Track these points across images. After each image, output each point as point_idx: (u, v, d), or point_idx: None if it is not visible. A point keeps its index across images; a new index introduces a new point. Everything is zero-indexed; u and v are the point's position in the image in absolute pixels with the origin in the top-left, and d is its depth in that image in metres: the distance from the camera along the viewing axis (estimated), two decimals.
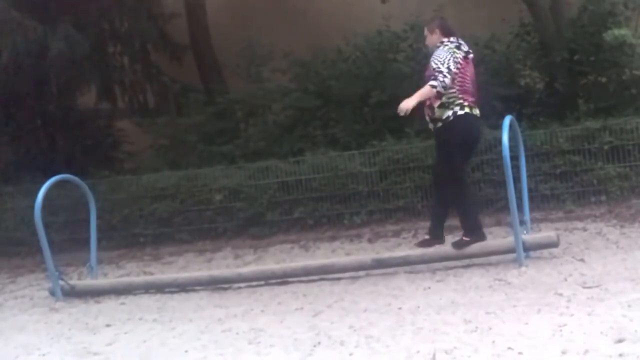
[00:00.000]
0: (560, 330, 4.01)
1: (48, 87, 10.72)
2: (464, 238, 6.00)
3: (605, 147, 7.60)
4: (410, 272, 6.03)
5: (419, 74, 9.24)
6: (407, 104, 5.72)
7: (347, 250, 7.47)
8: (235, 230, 8.58)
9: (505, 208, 6.49)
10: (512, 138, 5.98)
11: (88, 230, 7.14)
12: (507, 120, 5.83)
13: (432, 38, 6.11)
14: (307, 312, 5.20)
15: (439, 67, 5.78)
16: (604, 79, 8.80)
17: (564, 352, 3.67)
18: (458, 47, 5.95)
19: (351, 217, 8.20)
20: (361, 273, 6.24)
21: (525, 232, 6.01)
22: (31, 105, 10.42)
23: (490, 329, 4.19)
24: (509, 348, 3.80)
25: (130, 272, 7.76)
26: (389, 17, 9.48)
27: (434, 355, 3.83)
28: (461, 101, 5.85)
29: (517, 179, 6.22)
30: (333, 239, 7.95)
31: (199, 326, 5.14)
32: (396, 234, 7.74)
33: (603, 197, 7.58)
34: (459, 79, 5.84)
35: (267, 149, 9.39)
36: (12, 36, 8.99)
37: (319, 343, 4.35)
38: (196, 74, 11.90)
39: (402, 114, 5.74)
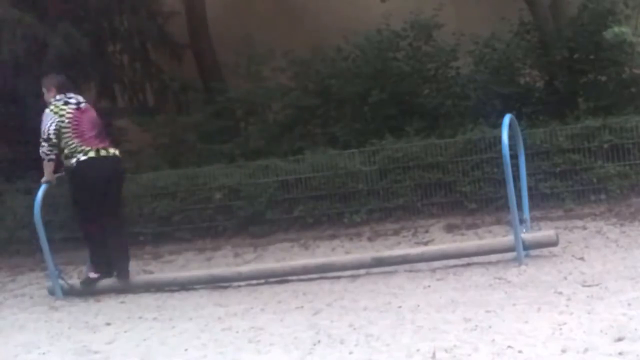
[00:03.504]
0: (560, 329, 4.01)
1: None
2: (89, 275, 6.59)
3: (605, 145, 7.59)
4: (410, 271, 6.03)
5: (419, 72, 9.36)
6: (47, 179, 6.53)
7: (346, 248, 7.47)
8: (235, 229, 8.56)
9: (505, 207, 6.49)
10: (511, 137, 5.98)
11: None
12: (507, 118, 5.83)
13: (48, 95, 6.58)
14: (307, 310, 5.20)
15: (42, 135, 6.37)
16: (603, 78, 8.80)
17: (563, 351, 3.67)
18: (66, 103, 6.41)
19: (351, 216, 8.19)
20: (361, 272, 6.24)
21: (525, 230, 6.01)
22: (31, 104, 10.38)
23: (490, 327, 4.20)
24: (509, 346, 3.80)
25: (130, 271, 7.73)
26: (388, 16, 9.48)
27: (434, 353, 3.83)
28: (84, 148, 6.38)
29: (516, 178, 6.22)
30: (333, 237, 7.94)
31: (199, 325, 5.14)
32: (396, 232, 7.73)
33: (603, 196, 7.56)
34: (74, 131, 6.37)
35: (267, 148, 9.39)
36: (11, 34, 8.98)
37: (319, 342, 4.35)
38: (196, 73, 11.90)
39: (47, 185, 6.54)
